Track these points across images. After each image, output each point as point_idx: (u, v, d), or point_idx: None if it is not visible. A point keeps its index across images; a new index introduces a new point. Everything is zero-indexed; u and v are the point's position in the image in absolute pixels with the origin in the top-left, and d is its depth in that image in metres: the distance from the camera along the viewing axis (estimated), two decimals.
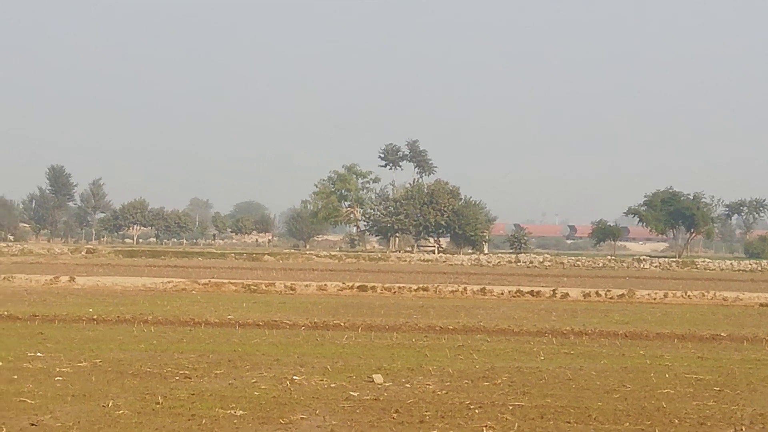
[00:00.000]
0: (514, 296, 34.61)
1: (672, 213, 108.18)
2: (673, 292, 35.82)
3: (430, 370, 15.55)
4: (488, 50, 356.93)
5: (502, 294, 34.96)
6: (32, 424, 11.00)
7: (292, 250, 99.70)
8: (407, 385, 14.02)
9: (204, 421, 11.24)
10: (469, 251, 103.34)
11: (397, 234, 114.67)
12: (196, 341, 19.16)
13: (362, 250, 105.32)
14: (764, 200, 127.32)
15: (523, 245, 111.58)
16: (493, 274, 54.91)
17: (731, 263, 78.08)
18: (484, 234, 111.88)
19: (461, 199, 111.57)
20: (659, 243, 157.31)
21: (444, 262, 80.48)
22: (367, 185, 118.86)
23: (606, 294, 34.91)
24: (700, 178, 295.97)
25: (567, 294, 34.86)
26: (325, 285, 36.30)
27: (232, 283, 36.49)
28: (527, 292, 35.05)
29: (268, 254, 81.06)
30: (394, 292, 35.18)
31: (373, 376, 14.53)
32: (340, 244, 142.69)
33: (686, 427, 11.45)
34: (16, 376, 14.20)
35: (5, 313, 23.93)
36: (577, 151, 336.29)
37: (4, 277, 37.34)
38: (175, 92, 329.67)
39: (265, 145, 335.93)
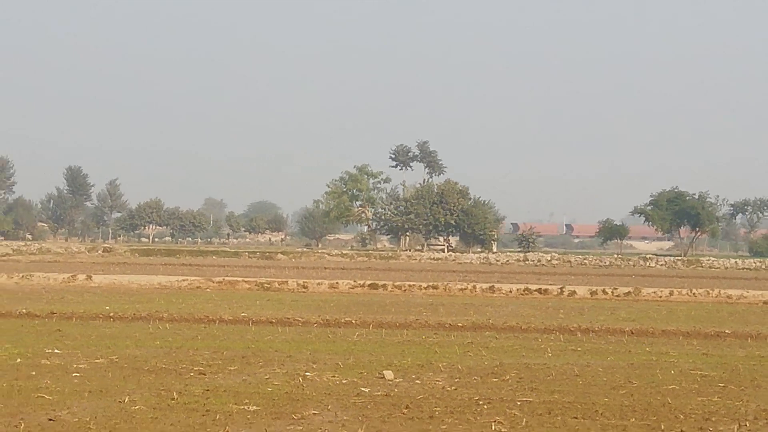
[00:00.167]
0: (522, 294, 34.74)
1: (677, 212, 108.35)
2: (679, 290, 35.93)
3: (439, 366, 15.64)
4: (488, 50, 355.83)
5: (511, 292, 35.09)
6: (50, 420, 11.06)
7: (305, 249, 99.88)
8: (417, 382, 14.12)
9: (218, 417, 11.31)
10: (478, 250, 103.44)
11: (408, 233, 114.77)
12: (210, 338, 19.27)
13: (373, 249, 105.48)
14: None
15: (531, 244, 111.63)
16: (502, 273, 54.96)
17: (736, 262, 78.09)
18: (493, 233, 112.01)
19: (470, 198, 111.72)
20: (664, 242, 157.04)
21: (453, 260, 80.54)
22: (378, 185, 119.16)
23: (612, 292, 35.04)
24: (700, 178, 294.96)
25: (574, 292, 34.99)
26: (337, 283, 36.46)
27: (245, 281, 36.71)
28: (535, 290, 35.19)
29: (281, 253, 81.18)
30: (405, 290, 35.28)
31: (384, 372, 14.58)
32: (351, 243, 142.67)
33: (691, 422, 11.52)
34: (34, 372, 14.32)
35: (24, 310, 24.09)
36: (577, 151, 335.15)
37: (23, 276, 37.44)
38: (174, 92, 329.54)
39: (265, 145, 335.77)
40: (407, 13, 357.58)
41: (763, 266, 73.04)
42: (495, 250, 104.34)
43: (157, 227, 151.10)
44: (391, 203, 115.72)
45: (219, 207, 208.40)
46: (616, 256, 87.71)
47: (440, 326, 22.45)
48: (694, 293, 35.03)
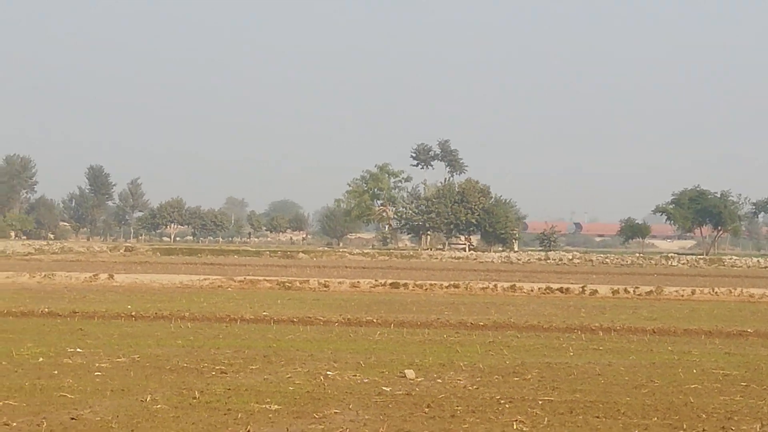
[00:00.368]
0: (543, 293, 34.69)
1: (699, 211, 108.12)
2: (701, 289, 35.84)
3: (461, 365, 15.64)
4: (488, 50, 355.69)
5: (532, 291, 35.04)
6: (72, 418, 11.09)
7: (326, 248, 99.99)
8: (438, 381, 14.12)
9: (240, 416, 11.32)
10: (500, 249, 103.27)
11: (429, 232, 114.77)
12: (231, 337, 19.32)
13: (394, 248, 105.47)
14: None
15: (552, 243, 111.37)
16: (523, 272, 54.89)
17: (758, 260, 77.56)
18: (515, 232, 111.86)
19: (491, 197, 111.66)
20: (686, 241, 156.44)
21: (475, 259, 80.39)
22: (399, 184, 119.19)
23: (634, 291, 34.97)
24: (720, 176, 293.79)
25: (596, 291, 34.94)
26: (358, 282, 36.49)
27: (267, 281, 36.79)
28: (557, 289, 35.12)
29: (303, 252, 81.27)
30: (426, 289, 35.27)
31: (405, 371, 14.58)
32: (372, 242, 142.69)
33: (713, 421, 11.48)
34: (56, 371, 14.37)
35: (46, 309, 24.19)
36: (580, 150, 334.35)
37: (45, 275, 37.56)
38: (196, 93, 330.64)
39: (266, 145, 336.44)
40: (407, 13, 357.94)
41: None
42: (516, 249, 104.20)
43: (179, 226, 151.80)
44: (412, 202, 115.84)
45: (240, 206, 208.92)
46: (637, 255, 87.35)
47: (461, 325, 22.46)
48: (716, 292, 34.91)
